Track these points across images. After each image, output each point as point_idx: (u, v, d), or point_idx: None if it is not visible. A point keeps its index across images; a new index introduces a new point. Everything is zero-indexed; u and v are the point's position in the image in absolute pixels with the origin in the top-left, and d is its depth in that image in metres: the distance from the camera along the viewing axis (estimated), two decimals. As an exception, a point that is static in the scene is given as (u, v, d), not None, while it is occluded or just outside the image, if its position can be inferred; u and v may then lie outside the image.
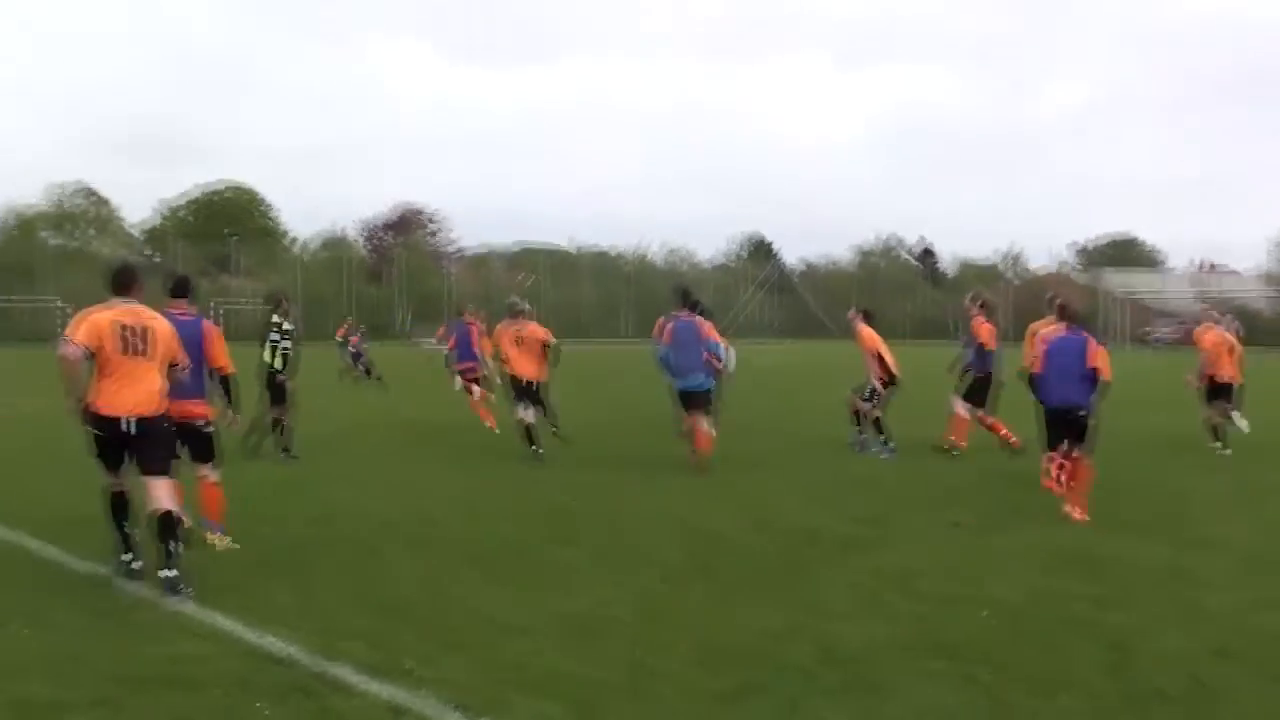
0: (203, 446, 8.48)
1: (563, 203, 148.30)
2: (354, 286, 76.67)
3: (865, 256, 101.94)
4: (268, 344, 13.26)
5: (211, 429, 8.52)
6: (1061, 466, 10.00)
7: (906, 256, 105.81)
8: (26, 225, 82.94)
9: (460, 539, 8.79)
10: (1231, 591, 7.32)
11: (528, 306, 14.42)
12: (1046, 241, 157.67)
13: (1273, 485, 12.04)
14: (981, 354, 14.44)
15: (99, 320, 7.34)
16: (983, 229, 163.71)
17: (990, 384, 14.33)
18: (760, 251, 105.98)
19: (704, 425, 12.66)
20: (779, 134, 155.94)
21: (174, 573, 7.01)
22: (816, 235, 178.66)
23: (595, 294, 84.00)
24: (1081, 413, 9.98)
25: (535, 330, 14.06)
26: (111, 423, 7.26)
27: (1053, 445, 10.08)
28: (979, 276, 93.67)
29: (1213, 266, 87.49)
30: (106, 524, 7.54)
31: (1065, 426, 10.04)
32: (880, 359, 14.32)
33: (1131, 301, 69.13)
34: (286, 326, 13.34)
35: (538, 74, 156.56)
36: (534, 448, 13.57)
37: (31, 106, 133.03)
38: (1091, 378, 10.03)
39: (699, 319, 13.04)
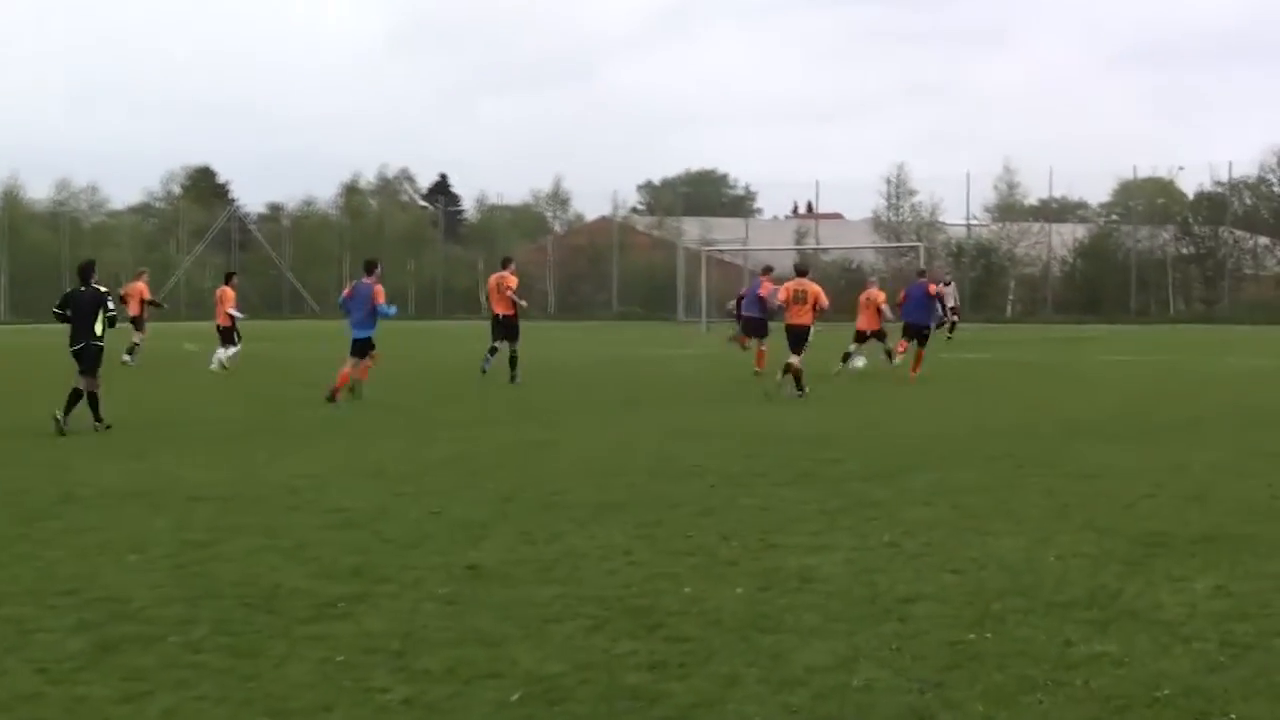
0: None
1: None
2: None
3: (354, 198, 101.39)
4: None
5: None
6: None
7: (414, 197, 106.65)
8: None
9: None
10: (826, 640, 7.95)
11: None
12: (611, 181, 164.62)
13: (876, 500, 13.16)
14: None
15: None
16: (525, 165, 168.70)
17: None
18: (207, 192, 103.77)
19: (349, 366, 23.71)
20: (245, 31, 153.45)
21: None
22: (294, 173, 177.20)
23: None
24: None
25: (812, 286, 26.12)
26: None
27: None
28: (515, 225, 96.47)
29: (810, 210, 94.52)
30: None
31: None
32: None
33: (717, 259, 73.23)
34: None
35: None
36: None
37: None
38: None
39: (375, 283, 24.08)
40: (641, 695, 6.97)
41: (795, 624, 8.37)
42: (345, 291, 24.96)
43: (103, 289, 19.54)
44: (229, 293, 33.96)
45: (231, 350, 33.18)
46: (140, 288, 36.36)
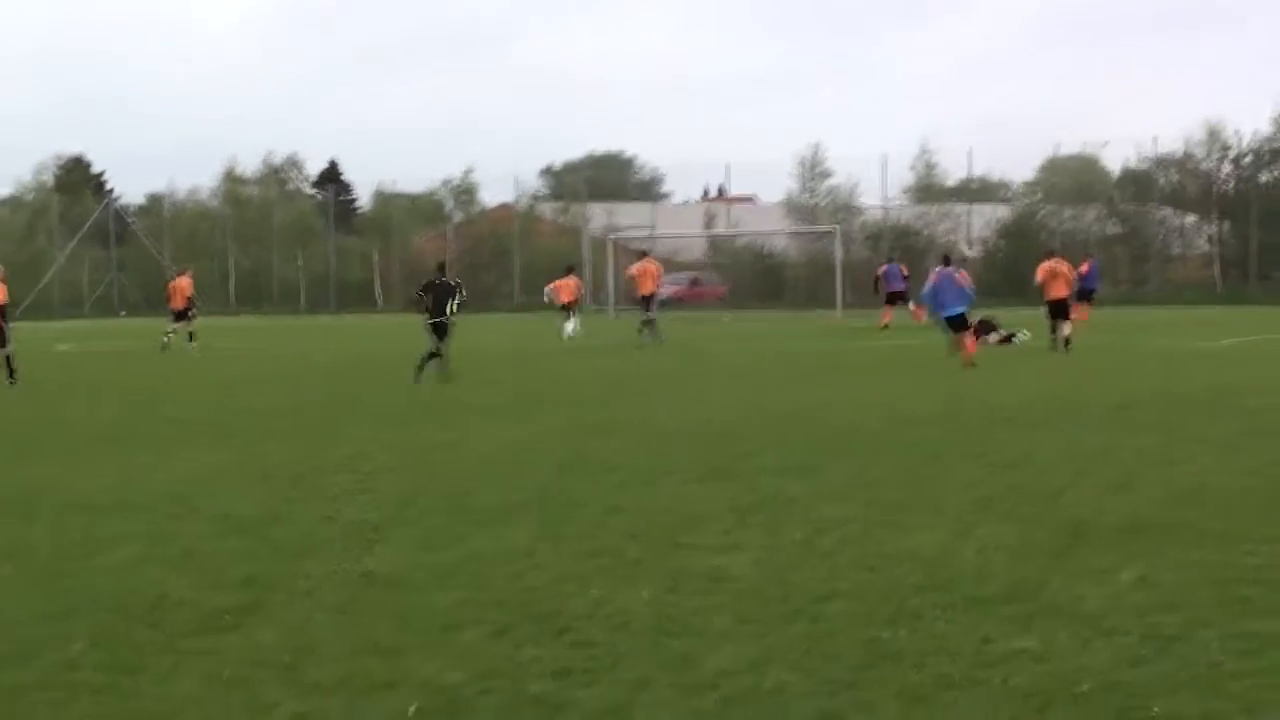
0: None
1: None
2: None
3: (236, 186, 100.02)
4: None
5: None
6: None
7: (302, 186, 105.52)
8: None
9: None
10: (736, 643, 8.03)
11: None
12: (512, 165, 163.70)
13: (789, 496, 13.26)
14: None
15: None
16: (421, 150, 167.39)
17: None
18: (79, 182, 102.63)
19: (968, 338, 30.56)
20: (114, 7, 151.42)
21: None
22: (176, 163, 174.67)
23: None
24: None
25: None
26: None
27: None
28: (413, 213, 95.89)
29: (722, 193, 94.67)
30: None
31: None
32: None
33: (623, 246, 73.21)
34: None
35: None
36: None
37: None
38: None
39: (957, 271, 31.68)
40: (546, 703, 7.03)
41: (704, 626, 8.45)
42: (933, 279, 31.65)
43: (454, 281, 28.63)
44: (572, 281, 43.86)
45: (574, 322, 42.06)
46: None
